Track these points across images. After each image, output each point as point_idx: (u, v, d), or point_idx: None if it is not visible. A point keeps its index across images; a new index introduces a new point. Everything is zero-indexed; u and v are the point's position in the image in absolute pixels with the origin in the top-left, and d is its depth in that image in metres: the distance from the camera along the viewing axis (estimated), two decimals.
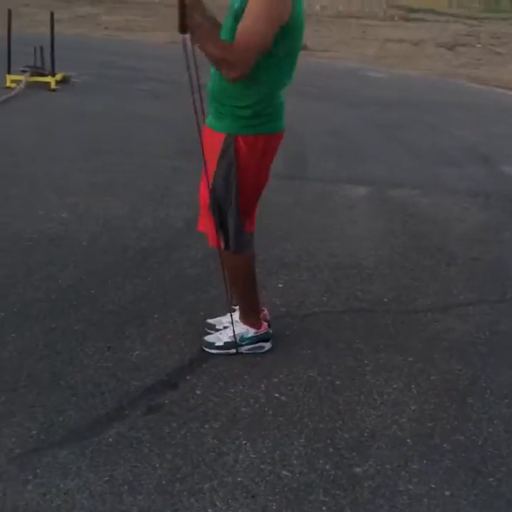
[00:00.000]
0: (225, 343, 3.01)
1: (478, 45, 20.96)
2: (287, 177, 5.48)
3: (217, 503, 2.15)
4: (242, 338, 3.00)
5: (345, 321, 3.39)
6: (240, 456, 2.37)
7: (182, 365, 2.90)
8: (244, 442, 2.44)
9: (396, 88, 11.56)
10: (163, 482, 2.22)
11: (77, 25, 19.62)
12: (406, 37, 22.76)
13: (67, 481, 2.20)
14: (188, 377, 2.81)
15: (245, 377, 2.84)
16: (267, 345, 3.05)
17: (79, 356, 2.90)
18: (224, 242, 2.82)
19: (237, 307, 3.06)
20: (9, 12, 9.09)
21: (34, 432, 2.42)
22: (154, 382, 2.76)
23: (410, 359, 3.07)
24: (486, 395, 2.83)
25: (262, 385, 2.79)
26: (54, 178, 5.32)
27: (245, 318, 3.02)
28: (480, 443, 2.52)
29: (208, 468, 2.30)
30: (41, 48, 9.19)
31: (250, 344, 3.01)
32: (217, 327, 3.14)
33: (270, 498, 2.18)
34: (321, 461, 2.37)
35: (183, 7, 2.44)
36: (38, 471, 2.24)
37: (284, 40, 2.52)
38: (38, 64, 9.15)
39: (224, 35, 2.57)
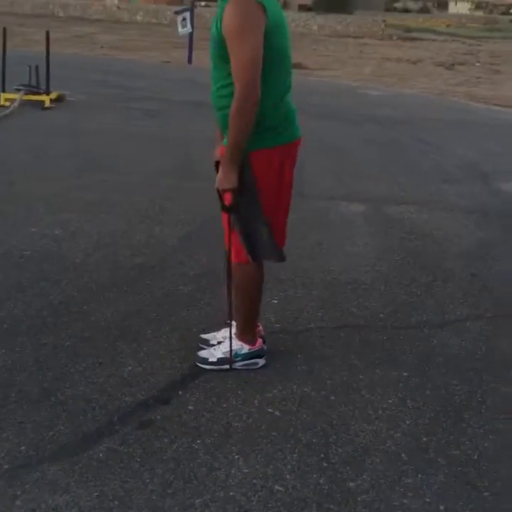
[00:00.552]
0: (218, 359, 2.98)
1: (477, 64, 21.12)
2: None
3: None
4: (237, 354, 2.97)
5: (341, 337, 3.36)
6: (232, 471, 2.33)
7: (174, 381, 2.87)
8: (236, 457, 2.41)
9: (394, 106, 11.62)
10: (154, 497, 2.19)
11: (73, 45, 19.79)
12: (404, 56, 22.94)
13: (56, 497, 2.16)
14: (180, 393, 2.78)
15: (239, 392, 2.81)
16: (261, 362, 3.02)
17: (70, 372, 2.87)
18: (252, 256, 2.78)
19: (233, 322, 3.04)
20: (4, 31, 9.15)
21: (23, 447, 2.39)
22: (146, 398, 2.73)
23: (405, 374, 3.04)
24: (482, 411, 2.80)
25: (256, 401, 2.76)
26: (48, 196, 5.31)
27: (241, 334, 2.99)
28: (475, 458, 2.49)
29: (199, 483, 2.27)
30: (36, 67, 9.26)
31: (244, 360, 2.98)
32: (211, 342, 3.12)
33: None
34: (314, 476, 2.33)
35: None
36: (27, 486, 2.20)
37: (268, 45, 2.52)
38: (33, 82, 9.21)
39: (212, 61, 2.63)
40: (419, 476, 2.37)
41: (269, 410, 2.70)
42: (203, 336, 3.18)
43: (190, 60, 16.44)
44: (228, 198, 2.67)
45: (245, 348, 2.98)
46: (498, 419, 2.74)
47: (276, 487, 2.27)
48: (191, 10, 15.48)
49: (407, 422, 2.68)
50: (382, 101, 12.28)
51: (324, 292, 3.88)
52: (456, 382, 3.00)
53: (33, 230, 4.55)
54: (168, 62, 17.32)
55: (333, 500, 2.22)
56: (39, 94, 9.05)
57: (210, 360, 2.99)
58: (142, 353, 3.06)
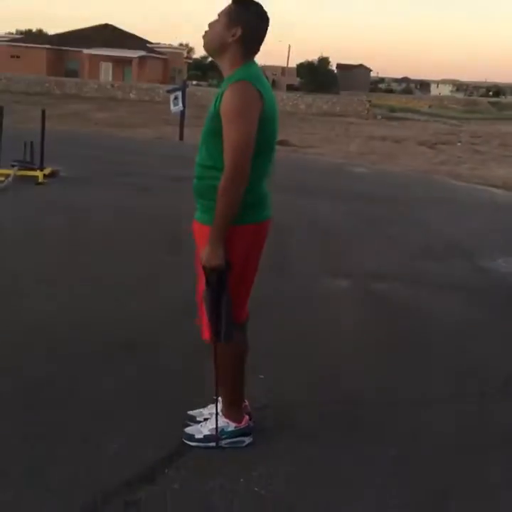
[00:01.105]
0: (205, 436, 2.98)
1: (459, 144, 21.72)
2: (271, 269, 5.54)
3: None
4: (223, 432, 2.97)
5: (327, 414, 3.36)
6: None
7: (161, 458, 2.85)
8: None
9: (379, 184, 11.88)
10: None
11: (68, 121, 20.20)
12: (389, 135, 23.57)
13: None
14: (166, 471, 2.76)
15: (225, 470, 2.80)
16: (248, 440, 3.01)
17: (54, 450, 2.85)
18: (215, 333, 2.82)
19: (219, 398, 3.04)
20: (1, 108, 9.39)
21: None
22: (131, 477, 2.71)
23: (392, 453, 3.03)
24: (473, 489, 2.79)
25: (242, 479, 2.74)
26: (38, 270, 5.36)
27: (228, 411, 2.99)
28: None
29: None
30: (31, 143, 9.45)
31: (230, 438, 2.98)
32: (197, 419, 3.12)
33: None
34: None
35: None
36: None
37: (258, 132, 2.63)
38: (28, 158, 9.38)
39: (202, 135, 2.74)
40: None
41: (255, 489, 2.69)
42: (190, 412, 3.18)
43: (181, 137, 16.81)
44: (213, 275, 2.71)
45: (231, 426, 2.98)
46: (484, 503, 2.73)
47: None
48: (183, 89, 15.96)
49: (395, 501, 2.66)
50: (367, 178, 12.56)
51: (310, 368, 3.89)
52: (445, 459, 2.99)
53: (22, 303, 4.57)
54: (160, 138, 17.71)
55: None
56: (33, 169, 9.21)
57: (196, 436, 2.99)
58: (128, 429, 3.05)
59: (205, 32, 2.76)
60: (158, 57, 59.17)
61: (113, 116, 23.96)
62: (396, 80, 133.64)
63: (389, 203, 9.75)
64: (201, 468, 2.79)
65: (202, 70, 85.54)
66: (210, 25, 2.75)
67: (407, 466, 2.93)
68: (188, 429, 3.03)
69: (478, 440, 3.23)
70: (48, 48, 56.77)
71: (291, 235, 7.06)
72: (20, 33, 74.51)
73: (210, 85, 58.27)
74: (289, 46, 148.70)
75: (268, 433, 3.11)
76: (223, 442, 2.96)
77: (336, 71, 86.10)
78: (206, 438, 2.97)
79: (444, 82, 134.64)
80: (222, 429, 2.96)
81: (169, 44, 69.51)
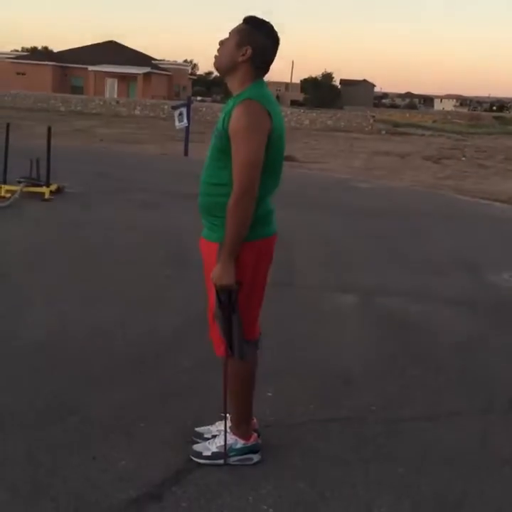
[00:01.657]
0: (212, 453, 2.97)
1: (463, 159, 21.76)
2: (276, 284, 5.54)
3: None
4: (231, 449, 2.96)
5: (335, 431, 3.35)
6: None
7: (168, 476, 2.85)
8: None
9: (384, 199, 11.89)
10: None
11: (73, 138, 20.32)
12: (393, 150, 23.62)
13: None
14: (173, 489, 2.76)
15: (233, 488, 2.79)
16: (256, 458, 3.00)
17: (62, 467, 2.85)
18: (229, 350, 2.83)
19: (228, 415, 3.04)
20: (7, 125, 9.47)
21: None
22: (139, 494, 2.70)
23: (400, 470, 3.02)
24: (478, 508, 2.78)
25: (250, 497, 2.73)
26: (44, 287, 5.38)
27: (236, 428, 2.99)
28: None
29: None
30: (37, 160, 9.51)
31: (238, 455, 2.97)
32: (205, 436, 3.11)
33: None
34: None
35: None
36: None
37: (267, 151, 2.66)
38: (34, 175, 9.44)
39: (210, 151, 2.76)
40: None
41: (264, 507, 2.68)
42: (198, 429, 3.18)
43: (186, 153, 16.88)
44: (225, 293, 2.72)
45: (240, 443, 2.97)
46: None
47: None
48: (188, 105, 16.05)
49: None
50: (371, 193, 12.57)
51: (317, 384, 3.89)
52: (451, 478, 2.98)
53: (28, 320, 4.58)
54: (165, 154, 17.78)
55: None
56: (39, 186, 9.27)
57: (204, 454, 2.98)
58: (136, 446, 3.05)
59: (217, 50, 2.79)
60: (162, 74, 59.58)
61: (118, 133, 24.09)
62: (399, 95, 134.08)
63: (394, 218, 9.77)
64: (209, 486, 2.79)
65: (206, 86, 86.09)
66: (221, 43, 2.78)
67: (416, 484, 2.92)
68: (196, 447, 3.02)
69: (486, 457, 3.21)
70: (53, 65, 57.27)
71: (295, 250, 7.07)
72: (26, 50, 75.22)
73: (214, 101, 58.55)
74: (292, 62, 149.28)
75: (276, 451, 3.10)
76: (231, 460, 2.96)
77: (339, 86, 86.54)
78: (214, 455, 2.96)
79: (448, 97, 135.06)
80: (231, 446, 2.96)
81: (173, 61, 70.02)
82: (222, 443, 2.95)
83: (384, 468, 3.02)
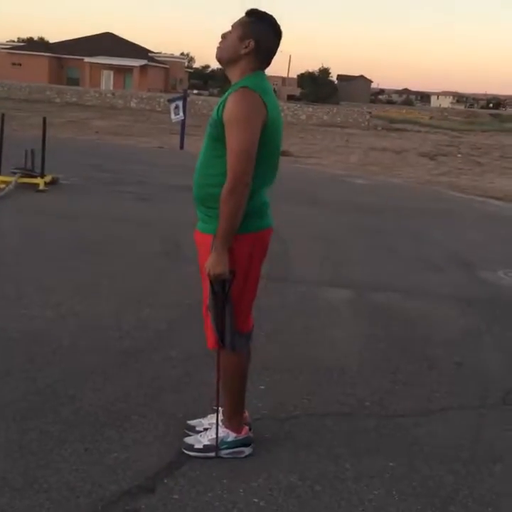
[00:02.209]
0: (204, 445, 2.97)
1: (459, 155, 21.79)
2: (271, 279, 5.55)
3: None
4: (223, 442, 2.96)
5: (327, 425, 3.36)
6: None
7: (160, 468, 2.85)
8: None
9: (379, 195, 11.90)
10: None
11: (68, 129, 20.26)
12: (389, 146, 23.63)
13: None
14: (165, 481, 2.76)
15: (224, 481, 2.79)
16: (247, 451, 3.00)
17: (55, 458, 2.85)
18: (220, 341, 2.83)
19: (220, 408, 3.04)
20: (2, 116, 9.43)
21: None
22: (131, 486, 2.70)
23: (392, 464, 3.03)
24: (469, 503, 2.79)
25: (241, 490, 2.74)
26: (38, 278, 5.37)
27: (228, 421, 2.99)
28: None
29: None
30: (32, 151, 9.48)
31: (230, 448, 2.97)
32: (197, 429, 3.11)
33: None
34: None
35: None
36: None
37: (263, 141, 2.65)
38: (29, 166, 9.41)
39: (205, 141, 2.76)
40: None
41: (255, 500, 2.68)
42: (190, 422, 3.18)
43: (182, 146, 16.86)
44: (218, 283, 2.72)
45: (231, 436, 2.98)
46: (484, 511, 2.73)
47: None
48: (184, 98, 16.02)
49: None
50: (367, 189, 12.59)
51: (310, 379, 3.89)
52: (442, 473, 2.99)
53: (22, 311, 4.57)
54: (161, 147, 17.75)
55: None
56: (34, 177, 9.24)
57: (196, 446, 2.98)
58: (128, 439, 3.05)
59: (219, 43, 2.78)
60: (159, 66, 59.46)
61: (113, 125, 24.02)
62: (396, 92, 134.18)
63: (389, 214, 9.78)
64: (200, 479, 2.79)
65: (203, 80, 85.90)
66: (224, 36, 2.77)
67: (406, 478, 2.92)
68: (188, 439, 3.02)
69: (478, 452, 3.22)
70: (49, 56, 57.09)
71: (290, 245, 7.06)
72: (22, 40, 74.86)
73: (210, 94, 58.45)
74: (290, 57, 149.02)
75: (268, 444, 3.10)
76: (223, 452, 2.96)
77: (336, 82, 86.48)
78: (206, 448, 2.96)
79: (445, 93, 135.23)
80: (222, 439, 2.96)
81: (170, 53, 69.85)
82: (214, 436, 2.95)
83: (376, 463, 3.03)
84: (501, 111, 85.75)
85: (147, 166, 13.08)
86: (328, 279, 6.11)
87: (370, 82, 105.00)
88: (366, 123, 34.84)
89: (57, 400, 3.36)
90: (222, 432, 2.97)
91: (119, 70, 55.98)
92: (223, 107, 2.63)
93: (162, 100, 33.87)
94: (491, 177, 16.41)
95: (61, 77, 55.83)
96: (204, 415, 3.18)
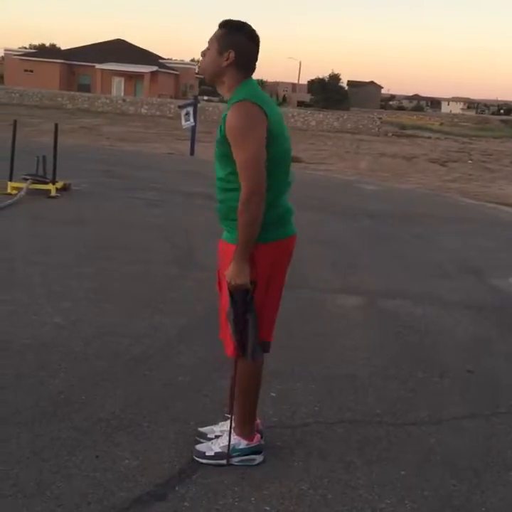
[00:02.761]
0: (216, 453, 2.97)
1: (470, 162, 21.73)
2: None
3: None
4: (234, 450, 2.96)
5: (338, 433, 3.35)
6: None
7: (171, 475, 2.85)
8: None
9: (389, 201, 11.89)
10: None
11: (79, 135, 20.37)
12: (399, 152, 23.61)
13: None
14: (177, 488, 2.76)
15: (235, 489, 2.78)
16: (259, 458, 2.99)
17: (66, 465, 2.85)
18: (242, 351, 2.82)
19: (232, 416, 3.04)
20: (15, 123, 9.49)
21: None
22: (142, 493, 2.70)
23: (403, 473, 3.02)
24: None
25: (253, 498, 2.73)
26: (49, 284, 5.38)
27: (240, 428, 2.99)
28: None
29: None
30: (44, 157, 9.53)
31: (242, 456, 2.97)
32: (208, 436, 3.11)
33: None
34: None
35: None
36: None
37: (270, 147, 2.65)
38: (40, 172, 9.46)
39: (216, 159, 2.77)
40: None
41: (266, 508, 2.67)
42: (201, 429, 3.18)
43: (192, 152, 16.90)
44: (238, 293, 2.72)
45: (243, 443, 2.97)
46: None
47: None
48: (194, 104, 16.06)
49: None
50: (377, 195, 12.57)
51: (321, 386, 3.88)
52: (454, 482, 2.97)
53: (33, 317, 4.59)
54: (172, 153, 17.81)
55: None
56: (45, 183, 9.29)
57: (207, 454, 2.98)
58: (139, 445, 3.05)
59: (200, 61, 2.80)
60: (169, 73, 59.64)
61: (124, 131, 24.13)
62: (407, 98, 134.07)
63: (399, 221, 9.76)
64: (212, 486, 2.78)
65: (213, 86, 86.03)
66: (203, 53, 2.80)
67: (419, 488, 2.91)
68: (199, 447, 3.02)
69: (490, 461, 3.20)
70: (60, 63, 57.40)
71: (301, 251, 7.03)
72: (34, 47, 75.34)
73: (220, 101, 58.53)
74: (300, 63, 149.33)
75: (279, 452, 3.10)
76: (234, 460, 2.95)
77: (346, 88, 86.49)
78: (217, 455, 2.96)
79: (455, 99, 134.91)
80: (234, 447, 2.95)
81: (181, 60, 70.11)
82: (226, 443, 2.94)
83: (387, 471, 3.01)
84: None
85: (158, 171, 13.12)
86: (338, 286, 6.10)
87: (381, 87, 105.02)
88: (376, 129, 34.81)
89: (69, 406, 3.37)
90: (234, 439, 2.96)
91: (130, 76, 56.22)
92: (224, 124, 2.64)
93: (173, 106, 33.98)
94: (501, 183, 16.36)
95: (72, 84, 56.12)
96: (215, 422, 3.18)
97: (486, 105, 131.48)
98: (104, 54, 56.56)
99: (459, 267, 7.18)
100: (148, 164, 14.33)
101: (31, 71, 56.07)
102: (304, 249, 7.35)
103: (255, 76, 2.85)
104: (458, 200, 12.81)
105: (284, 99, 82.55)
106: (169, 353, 4.18)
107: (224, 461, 2.94)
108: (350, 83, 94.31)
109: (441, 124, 51.07)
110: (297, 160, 16.18)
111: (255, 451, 2.99)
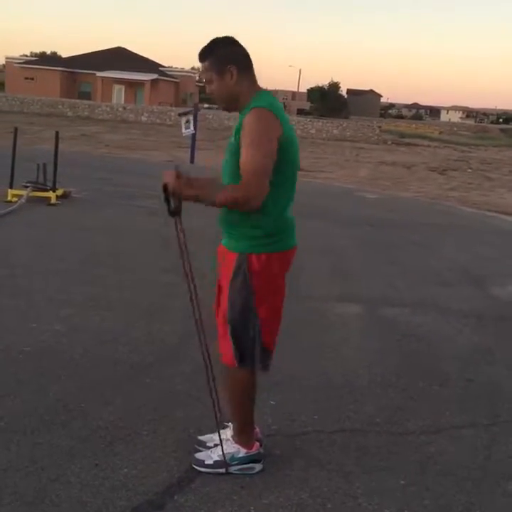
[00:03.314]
0: (215, 461, 2.96)
1: (469, 170, 21.76)
2: None
3: None
4: (233, 458, 2.95)
5: (337, 442, 3.34)
6: None
7: (170, 484, 2.84)
8: None
9: (389, 209, 11.90)
10: None
11: (80, 143, 20.40)
12: (399, 160, 23.64)
13: None
14: (175, 497, 2.75)
15: (234, 498, 2.78)
16: (258, 467, 2.99)
17: (65, 473, 2.85)
18: (239, 359, 2.82)
19: (229, 424, 3.04)
20: (15, 130, 9.51)
21: None
22: (141, 502, 2.69)
23: (403, 482, 3.01)
24: None
25: (252, 507, 2.72)
26: (49, 291, 5.39)
27: (238, 436, 2.99)
28: None
29: None
30: (44, 165, 9.55)
31: (240, 464, 2.96)
32: (207, 444, 3.10)
33: None
34: None
35: (166, 192, 2.75)
36: None
37: (281, 159, 2.64)
38: (41, 180, 9.48)
39: (224, 168, 2.75)
40: None
41: None
42: (200, 437, 3.17)
43: (192, 160, 16.92)
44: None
45: (242, 452, 2.97)
46: None
47: None
48: (195, 112, 16.09)
49: None
50: (377, 203, 12.58)
51: (320, 395, 3.88)
52: (454, 492, 2.97)
53: (33, 325, 4.59)
54: (171, 161, 17.82)
55: None
56: (45, 190, 9.30)
57: (206, 462, 2.97)
58: (138, 454, 3.04)
59: (207, 88, 2.79)
60: (169, 81, 59.75)
61: (125, 139, 24.16)
62: (406, 106, 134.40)
63: (399, 229, 9.77)
64: (211, 495, 2.78)
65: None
66: (208, 82, 2.78)
67: (418, 497, 2.90)
68: (198, 455, 3.02)
69: (490, 470, 3.20)
70: (61, 71, 57.49)
71: (300, 258, 7.04)
72: (35, 55, 75.53)
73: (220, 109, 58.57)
74: (300, 71, 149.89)
75: (278, 460, 3.09)
76: (233, 469, 2.95)
77: (346, 96, 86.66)
78: (216, 464, 2.95)
79: (454, 108, 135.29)
80: (233, 455, 2.95)
81: (181, 68, 70.30)
82: (225, 452, 2.94)
83: (387, 481, 3.01)
84: (511, 126, 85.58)
85: (157, 179, 13.08)
86: (337, 294, 6.10)
87: (380, 96, 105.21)
88: (376, 137, 34.86)
89: (68, 414, 3.37)
90: (233, 447, 2.96)
91: (130, 84, 56.32)
92: (240, 131, 2.63)
93: (173, 114, 34.05)
94: (501, 192, 16.38)
95: (73, 92, 56.22)
96: (215, 430, 3.17)
97: (485, 114, 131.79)
98: (104, 62, 56.67)
99: (458, 276, 7.18)
100: (148, 172, 14.30)
101: (32, 79, 56.17)
102: (303, 257, 7.36)
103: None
104: (458, 208, 12.83)
105: (284, 106, 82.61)
106: (168, 361, 4.18)
107: (223, 470, 2.94)
108: (349, 91, 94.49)
109: (441, 132, 51.17)
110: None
111: (254, 459, 2.98)
